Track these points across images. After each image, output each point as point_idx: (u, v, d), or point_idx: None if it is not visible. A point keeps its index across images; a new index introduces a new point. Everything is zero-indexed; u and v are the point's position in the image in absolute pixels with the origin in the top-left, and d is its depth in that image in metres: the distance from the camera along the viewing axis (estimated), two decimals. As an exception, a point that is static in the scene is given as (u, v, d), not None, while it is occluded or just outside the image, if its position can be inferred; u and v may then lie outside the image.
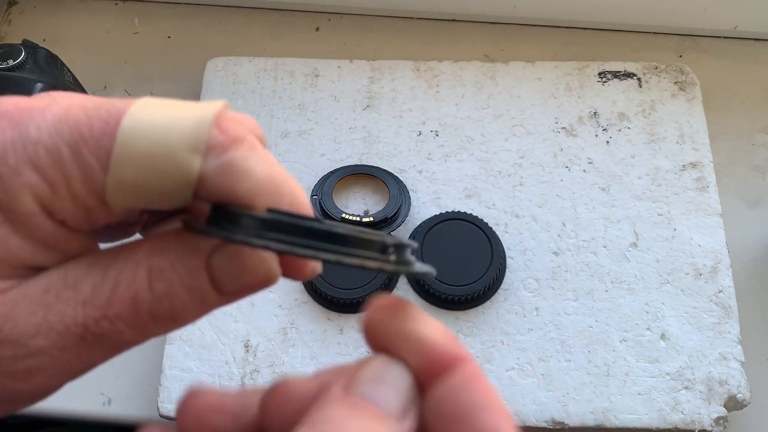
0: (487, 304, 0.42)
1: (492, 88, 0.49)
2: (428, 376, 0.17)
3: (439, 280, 0.41)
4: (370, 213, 0.44)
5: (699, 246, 0.43)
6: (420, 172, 0.46)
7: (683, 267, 0.43)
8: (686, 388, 0.40)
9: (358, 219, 0.42)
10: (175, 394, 0.40)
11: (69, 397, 0.43)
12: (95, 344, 0.17)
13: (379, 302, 0.18)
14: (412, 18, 0.56)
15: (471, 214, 0.43)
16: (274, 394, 0.18)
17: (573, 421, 0.39)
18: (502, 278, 0.43)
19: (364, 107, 0.48)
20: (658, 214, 0.44)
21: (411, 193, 0.45)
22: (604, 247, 0.43)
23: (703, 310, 0.42)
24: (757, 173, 0.50)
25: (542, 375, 0.40)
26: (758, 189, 0.49)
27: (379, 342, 0.18)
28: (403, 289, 0.43)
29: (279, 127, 0.48)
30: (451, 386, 0.17)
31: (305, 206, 0.19)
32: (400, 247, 0.18)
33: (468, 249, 0.42)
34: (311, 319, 0.42)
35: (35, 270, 0.18)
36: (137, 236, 0.20)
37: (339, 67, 0.50)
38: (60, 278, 0.17)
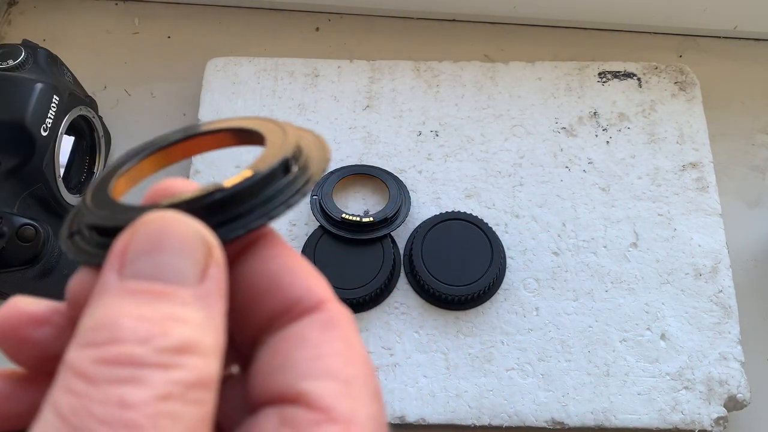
0: (487, 304, 0.42)
1: (492, 88, 0.49)
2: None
3: (439, 280, 0.41)
4: (370, 213, 0.44)
5: (699, 246, 0.43)
6: (420, 172, 0.46)
7: (683, 267, 0.43)
8: (686, 388, 0.40)
9: (358, 219, 0.42)
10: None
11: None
12: None
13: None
14: (412, 18, 0.56)
15: (471, 214, 0.43)
16: (76, 283, 0.16)
17: (573, 421, 0.39)
18: (502, 278, 0.42)
19: (364, 107, 0.48)
20: (658, 214, 0.44)
21: (411, 193, 0.45)
22: (604, 247, 0.43)
23: (703, 310, 0.42)
24: (757, 173, 0.50)
25: (542, 375, 0.40)
26: (758, 189, 0.49)
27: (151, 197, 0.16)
28: (402, 288, 0.43)
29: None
30: (258, 257, 0.16)
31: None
32: (293, 159, 0.16)
33: (468, 249, 0.42)
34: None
35: None
36: None
37: (339, 67, 0.50)
38: None
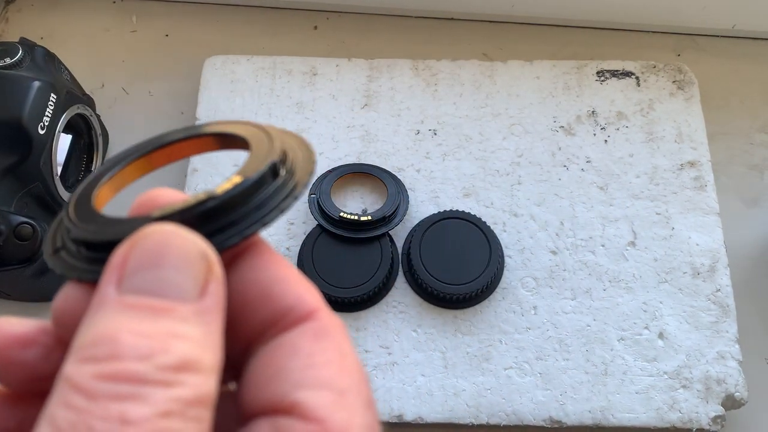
0: (485, 302, 0.42)
1: (490, 86, 0.49)
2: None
3: (437, 279, 0.41)
4: (368, 212, 0.44)
5: (697, 245, 0.43)
6: (418, 170, 0.46)
7: (681, 266, 0.43)
8: (684, 387, 0.40)
9: (356, 218, 0.42)
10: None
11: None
12: None
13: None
14: (411, 16, 0.56)
15: (469, 213, 0.43)
16: (62, 300, 0.15)
17: (571, 420, 0.39)
18: (500, 277, 0.42)
19: (363, 106, 0.48)
20: (656, 213, 0.44)
21: (409, 192, 0.45)
22: (602, 246, 0.43)
23: (700, 309, 0.42)
24: (755, 172, 0.50)
25: (540, 374, 0.40)
26: (756, 188, 0.49)
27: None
28: (400, 287, 0.43)
29: (277, 125, 0.48)
30: (248, 266, 0.16)
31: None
32: (280, 163, 0.16)
33: (466, 248, 0.42)
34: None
35: None
36: None
37: (337, 65, 0.50)
38: None
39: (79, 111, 0.45)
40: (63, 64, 0.47)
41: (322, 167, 0.46)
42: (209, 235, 0.15)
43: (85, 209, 0.17)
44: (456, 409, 0.39)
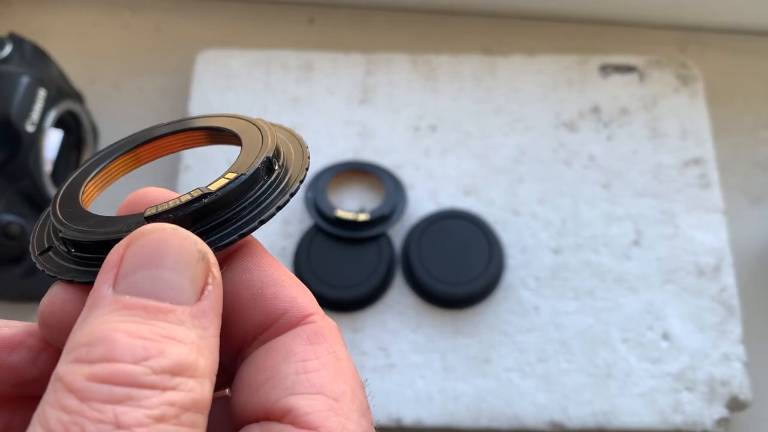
0: (486, 303, 0.41)
1: (491, 82, 0.48)
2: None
3: (437, 279, 0.41)
4: (366, 210, 0.43)
5: (701, 244, 0.43)
6: (417, 168, 0.45)
7: (685, 265, 0.42)
8: (688, 388, 0.39)
9: (353, 217, 0.42)
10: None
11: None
12: None
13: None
14: (409, 10, 0.55)
15: (469, 212, 0.43)
16: (49, 302, 0.15)
17: (573, 423, 0.39)
18: (501, 277, 0.42)
19: (360, 101, 0.47)
20: (660, 212, 0.44)
21: (408, 190, 0.44)
22: (605, 245, 0.43)
23: (705, 310, 0.41)
24: (761, 170, 0.49)
25: (542, 376, 0.39)
26: (761, 185, 0.48)
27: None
28: (399, 287, 0.42)
29: (272, 121, 0.47)
30: (241, 267, 0.15)
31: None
32: (274, 158, 0.16)
33: (466, 247, 0.42)
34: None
35: None
36: None
37: (333, 59, 0.49)
38: None
39: (69, 107, 0.44)
40: (53, 60, 0.46)
41: (318, 164, 0.45)
42: (204, 233, 0.14)
43: (73, 207, 0.16)
44: (456, 413, 0.39)
